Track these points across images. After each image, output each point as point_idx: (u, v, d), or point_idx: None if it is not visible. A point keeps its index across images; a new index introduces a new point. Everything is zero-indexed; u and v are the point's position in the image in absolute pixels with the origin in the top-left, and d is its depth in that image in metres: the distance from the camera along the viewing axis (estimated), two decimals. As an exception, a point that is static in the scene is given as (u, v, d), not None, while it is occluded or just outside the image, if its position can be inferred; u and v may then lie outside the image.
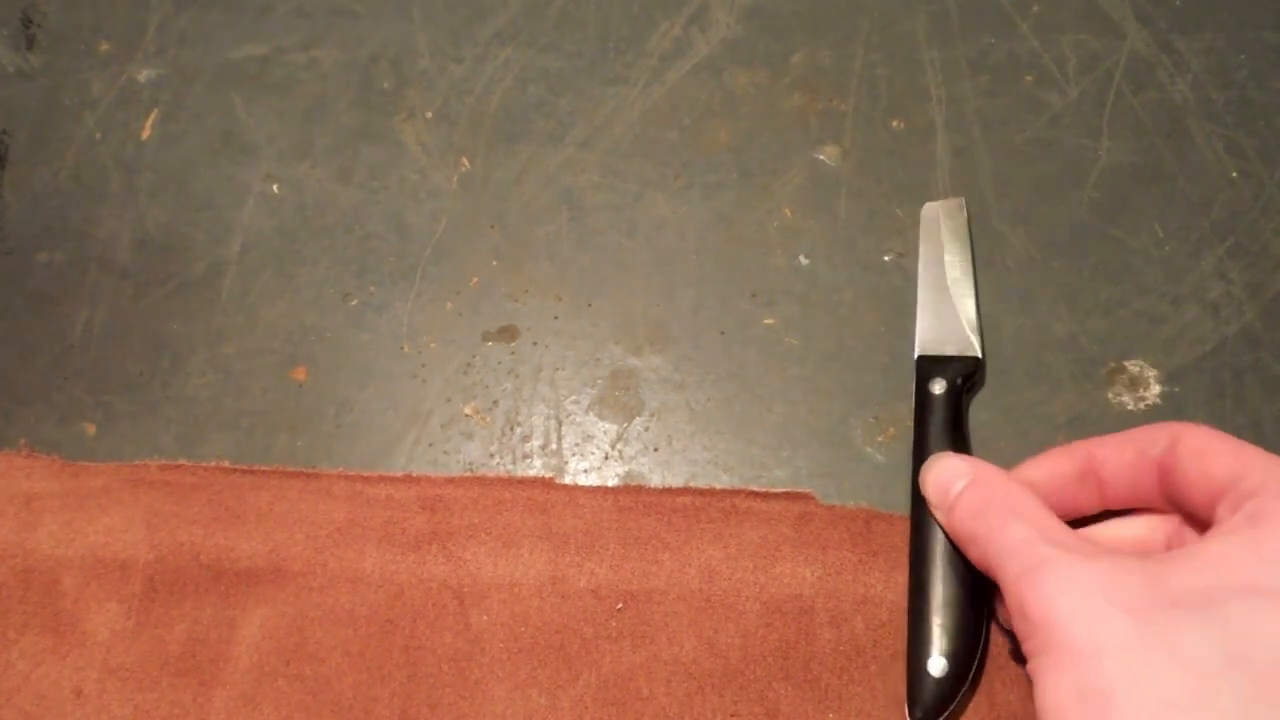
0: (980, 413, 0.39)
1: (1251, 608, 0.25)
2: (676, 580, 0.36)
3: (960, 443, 0.36)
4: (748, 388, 0.40)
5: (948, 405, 0.36)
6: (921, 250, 0.41)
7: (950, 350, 0.38)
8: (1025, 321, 0.40)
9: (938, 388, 0.37)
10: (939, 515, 0.33)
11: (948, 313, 0.39)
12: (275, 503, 0.39)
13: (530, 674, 0.36)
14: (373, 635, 0.36)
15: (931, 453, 0.35)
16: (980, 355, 0.38)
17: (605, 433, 0.40)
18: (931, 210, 0.41)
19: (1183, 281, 0.40)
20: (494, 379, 0.41)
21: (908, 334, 0.40)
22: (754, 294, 0.41)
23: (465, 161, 0.45)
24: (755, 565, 0.36)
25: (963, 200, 0.41)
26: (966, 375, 0.37)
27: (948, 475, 0.33)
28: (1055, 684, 0.26)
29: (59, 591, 0.38)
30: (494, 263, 0.43)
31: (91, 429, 0.41)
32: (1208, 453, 0.29)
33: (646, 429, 0.40)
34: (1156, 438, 0.31)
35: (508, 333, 0.42)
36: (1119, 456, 0.32)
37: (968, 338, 0.38)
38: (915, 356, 0.38)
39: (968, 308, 0.39)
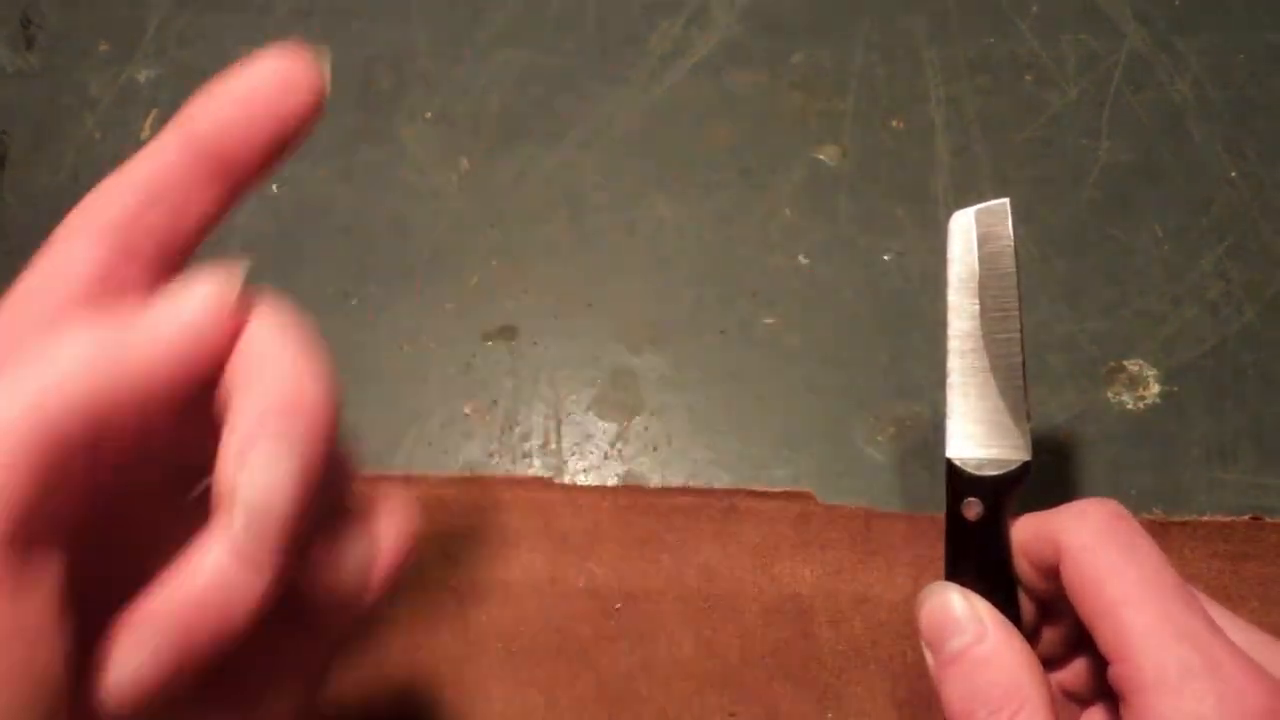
0: (980, 412, 0.39)
1: None
2: (675, 580, 0.36)
3: (998, 574, 0.28)
4: (747, 387, 0.40)
5: (986, 531, 0.28)
6: (950, 292, 0.29)
7: (990, 451, 0.28)
8: (1025, 321, 0.40)
9: (972, 511, 0.28)
10: (927, 656, 0.27)
11: (987, 393, 0.29)
12: (275, 502, 0.39)
13: (529, 674, 0.36)
14: (371, 634, 0.36)
15: (970, 579, 0.28)
16: (1029, 456, 0.28)
17: (605, 432, 0.40)
18: (964, 224, 0.30)
19: (1182, 281, 0.40)
20: (493, 379, 0.41)
21: (908, 334, 0.40)
22: (754, 294, 0.41)
23: (465, 161, 0.45)
24: (754, 565, 0.36)
25: (1006, 203, 0.29)
26: (1011, 486, 0.28)
27: (946, 623, 0.27)
28: None
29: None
30: (494, 263, 0.43)
31: (91, 429, 0.41)
32: (1087, 595, 0.25)
33: (646, 428, 0.40)
34: (1042, 549, 0.27)
35: (507, 332, 0.42)
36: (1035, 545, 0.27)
37: (1014, 432, 0.28)
38: (946, 458, 0.29)
39: (1014, 384, 0.29)
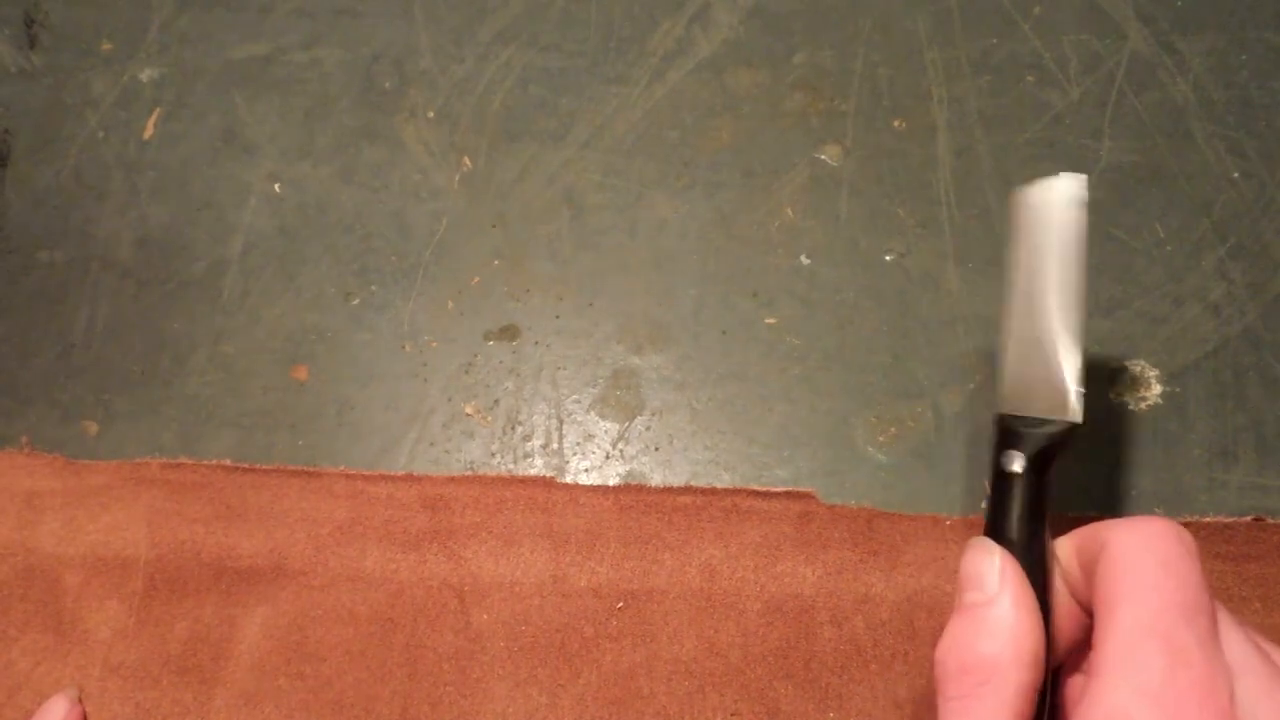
0: (981, 413, 0.39)
1: None
2: (677, 579, 0.36)
3: (1031, 531, 0.28)
4: (749, 387, 0.40)
5: (1027, 484, 0.29)
6: (1016, 255, 0.31)
7: (1039, 410, 0.29)
8: (1026, 321, 0.40)
9: (1016, 464, 0.29)
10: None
11: (1043, 357, 0.30)
12: (276, 501, 0.39)
13: (531, 672, 0.36)
14: (374, 634, 0.36)
15: (1004, 535, 0.28)
16: (1078, 420, 0.29)
17: (606, 432, 0.40)
18: (1037, 197, 0.30)
19: (1184, 281, 0.40)
20: (495, 378, 0.41)
21: (909, 334, 0.40)
22: (755, 293, 0.41)
23: (467, 161, 0.45)
24: (756, 564, 0.36)
25: (1084, 180, 0.30)
26: (1052, 446, 0.29)
27: (970, 576, 0.27)
28: None
29: (60, 590, 0.38)
30: (495, 262, 0.43)
31: (93, 427, 0.41)
32: (1099, 575, 0.25)
33: (648, 428, 0.40)
34: (1091, 545, 0.27)
35: (509, 332, 0.42)
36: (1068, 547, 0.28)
37: (1065, 395, 0.29)
38: (995, 414, 0.30)
39: (1071, 351, 0.29)
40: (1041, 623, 0.26)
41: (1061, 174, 0.30)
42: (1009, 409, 0.30)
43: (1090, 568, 0.26)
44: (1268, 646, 0.26)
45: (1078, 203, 0.30)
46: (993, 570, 0.26)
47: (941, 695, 0.25)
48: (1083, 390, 0.29)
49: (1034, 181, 0.30)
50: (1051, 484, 0.29)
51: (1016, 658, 0.25)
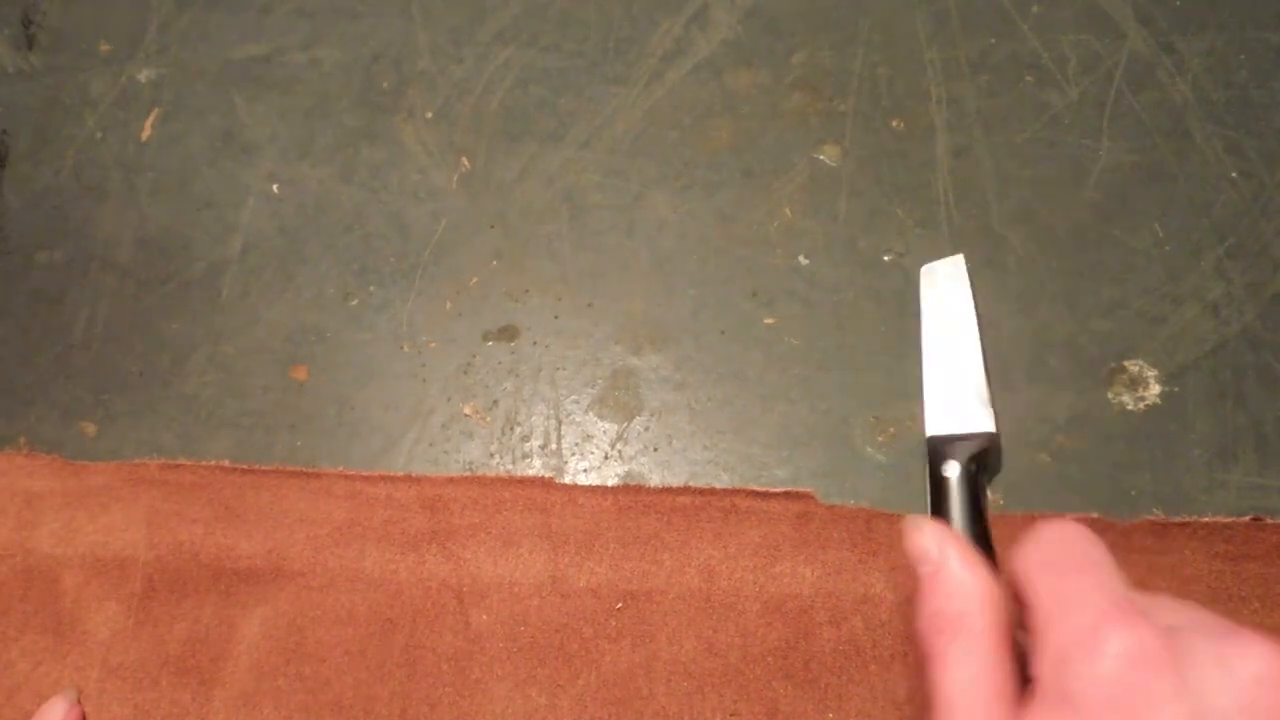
0: (980, 413, 0.39)
1: None
2: (676, 580, 0.36)
3: (976, 526, 0.34)
4: (748, 387, 0.40)
5: (963, 489, 0.34)
6: (922, 318, 0.39)
7: (961, 428, 0.36)
8: (1025, 321, 0.40)
9: (950, 471, 0.34)
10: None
11: (955, 385, 0.37)
12: (275, 502, 0.39)
13: (530, 673, 0.36)
14: (372, 634, 0.36)
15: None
16: (994, 429, 0.36)
17: (605, 432, 0.40)
18: (929, 272, 0.40)
19: (1183, 281, 0.40)
20: (494, 379, 0.41)
21: (908, 334, 0.40)
22: (754, 294, 0.41)
23: (466, 161, 0.45)
24: (755, 565, 0.36)
25: (960, 257, 0.40)
26: (980, 453, 0.35)
27: (916, 552, 0.29)
28: None
29: (59, 590, 0.38)
30: (494, 262, 0.43)
31: (92, 428, 0.41)
32: (1027, 602, 0.27)
33: (646, 429, 0.40)
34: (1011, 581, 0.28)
35: (508, 332, 0.42)
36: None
37: (979, 411, 0.36)
38: (925, 437, 0.37)
39: (977, 377, 0.37)
40: (987, 570, 0.28)
41: (947, 258, 0.40)
42: (936, 430, 0.37)
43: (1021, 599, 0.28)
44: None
45: (961, 277, 0.40)
46: (931, 540, 0.28)
47: (927, 658, 0.27)
48: (992, 407, 0.36)
49: (929, 262, 0.40)
50: (984, 488, 0.35)
51: (978, 605, 0.27)
